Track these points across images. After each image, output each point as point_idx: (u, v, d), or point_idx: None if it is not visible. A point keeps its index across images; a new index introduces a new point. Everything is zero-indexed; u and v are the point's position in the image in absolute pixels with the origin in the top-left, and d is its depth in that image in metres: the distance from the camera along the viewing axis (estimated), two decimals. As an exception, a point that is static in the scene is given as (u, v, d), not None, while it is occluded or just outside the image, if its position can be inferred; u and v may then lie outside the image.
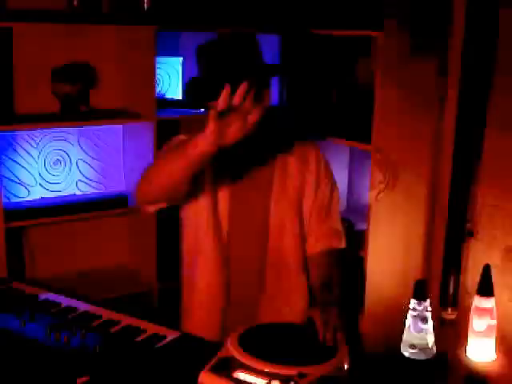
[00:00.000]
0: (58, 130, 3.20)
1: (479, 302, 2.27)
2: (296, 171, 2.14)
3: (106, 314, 1.99)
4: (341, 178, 3.40)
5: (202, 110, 2.04)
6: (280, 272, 2.15)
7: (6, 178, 3.06)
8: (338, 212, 2.23)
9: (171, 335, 1.87)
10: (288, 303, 2.16)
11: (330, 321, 1.76)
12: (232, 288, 2.14)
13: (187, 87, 2.07)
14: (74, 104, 3.10)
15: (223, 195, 2.10)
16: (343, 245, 2.22)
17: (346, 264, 2.23)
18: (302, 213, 2.16)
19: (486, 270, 2.28)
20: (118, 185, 3.41)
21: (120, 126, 3.36)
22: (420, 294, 2.21)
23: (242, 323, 1.82)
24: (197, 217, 2.13)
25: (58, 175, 3.26)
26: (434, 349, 2.23)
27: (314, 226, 2.17)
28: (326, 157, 2.24)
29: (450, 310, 2.76)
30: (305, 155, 2.17)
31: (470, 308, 2.32)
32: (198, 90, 2.03)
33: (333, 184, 2.21)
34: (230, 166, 2.11)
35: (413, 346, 2.21)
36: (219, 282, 2.13)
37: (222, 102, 1.61)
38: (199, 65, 2.02)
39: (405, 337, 2.24)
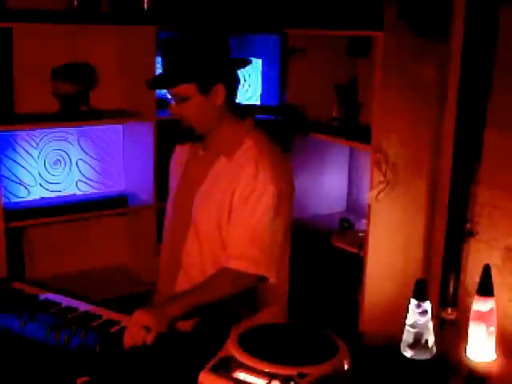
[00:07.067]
0: (58, 130, 3.20)
1: (479, 302, 2.27)
2: (228, 176, 2.07)
3: (106, 314, 1.99)
4: (341, 178, 3.40)
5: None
6: (192, 266, 2.14)
7: (6, 177, 3.06)
8: (262, 230, 2.01)
9: (171, 335, 1.87)
10: None
11: (145, 322, 1.78)
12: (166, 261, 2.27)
13: (150, 81, 2.17)
14: (74, 104, 3.10)
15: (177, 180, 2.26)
16: (252, 271, 1.99)
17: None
18: (220, 218, 2.07)
19: (486, 270, 2.28)
20: (117, 185, 3.41)
21: (120, 126, 3.36)
22: (420, 294, 2.21)
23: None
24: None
25: (57, 175, 3.26)
26: (434, 349, 2.23)
27: (229, 238, 2.05)
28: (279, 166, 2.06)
29: (449, 309, 2.76)
30: (241, 162, 2.06)
31: (469, 308, 2.32)
32: (159, 83, 2.20)
33: (259, 198, 2.00)
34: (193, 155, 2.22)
35: (413, 346, 2.21)
36: (165, 255, 2.29)
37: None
38: (161, 59, 2.08)
39: (405, 337, 2.24)
